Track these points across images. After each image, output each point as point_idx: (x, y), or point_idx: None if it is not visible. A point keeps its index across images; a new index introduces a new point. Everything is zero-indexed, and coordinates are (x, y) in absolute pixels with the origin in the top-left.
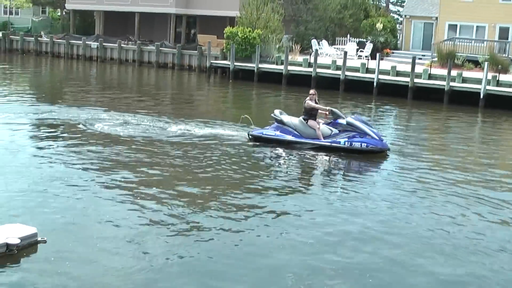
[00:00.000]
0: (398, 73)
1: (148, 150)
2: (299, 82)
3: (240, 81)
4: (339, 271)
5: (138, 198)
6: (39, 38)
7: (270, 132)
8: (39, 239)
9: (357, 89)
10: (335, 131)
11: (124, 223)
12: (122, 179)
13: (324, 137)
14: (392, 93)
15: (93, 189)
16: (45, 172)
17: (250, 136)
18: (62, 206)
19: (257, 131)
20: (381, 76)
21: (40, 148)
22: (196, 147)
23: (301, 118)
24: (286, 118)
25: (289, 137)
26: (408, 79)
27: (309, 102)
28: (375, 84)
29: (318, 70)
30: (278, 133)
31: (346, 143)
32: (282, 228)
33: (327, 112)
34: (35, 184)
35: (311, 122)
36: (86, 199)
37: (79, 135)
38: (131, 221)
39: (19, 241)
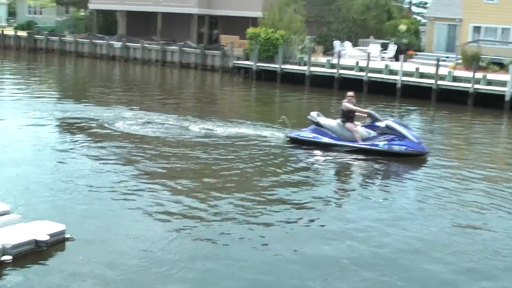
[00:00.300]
0: (422, 75)
1: (176, 149)
2: (322, 83)
3: (263, 82)
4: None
5: (166, 197)
6: (63, 38)
7: (307, 134)
8: (67, 236)
9: (381, 91)
10: (373, 133)
11: (152, 222)
12: (150, 178)
13: (362, 140)
14: (415, 95)
15: (121, 188)
16: (72, 170)
17: (288, 138)
18: (89, 204)
19: (294, 133)
20: (404, 78)
21: (66, 146)
22: (228, 147)
23: (338, 120)
24: (323, 120)
25: (326, 139)
26: (432, 81)
27: (347, 104)
28: (398, 85)
29: (341, 71)
30: (315, 135)
31: (385, 146)
32: (315, 230)
33: (365, 115)
34: (62, 181)
35: (348, 124)
36: (113, 197)
37: (105, 134)
38: (159, 221)
39: (48, 237)
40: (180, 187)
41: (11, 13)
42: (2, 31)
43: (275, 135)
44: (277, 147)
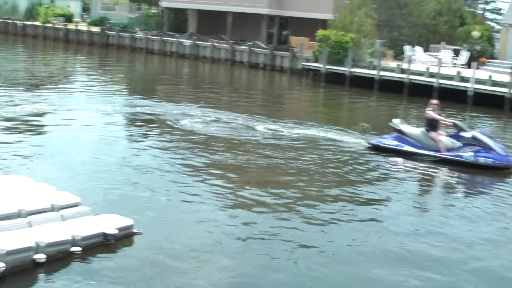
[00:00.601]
0: (495, 83)
1: (244, 149)
2: (391, 88)
3: (331, 84)
4: None
5: (234, 196)
6: (134, 35)
7: (389, 141)
8: (135, 231)
9: (451, 98)
10: (458, 144)
11: (220, 221)
12: (218, 176)
13: (446, 150)
14: (487, 103)
15: (189, 185)
16: (141, 165)
17: (369, 144)
18: (157, 199)
19: (375, 140)
20: (476, 86)
21: (135, 141)
22: (299, 150)
23: (422, 129)
24: (406, 128)
25: (409, 148)
26: (505, 90)
27: (431, 113)
28: (470, 93)
29: (411, 76)
30: (397, 142)
31: (470, 157)
32: (389, 239)
33: (450, 124)
34: (131, 176)
35: (432, 133)
36: (181, 193)
37: (173, 131)
38: (226, 219)
39: (116, 231)
40: (247, 186)
41: (85, 9)
42: (76, 26)
43: (349, 139)
44: (355, 152)
